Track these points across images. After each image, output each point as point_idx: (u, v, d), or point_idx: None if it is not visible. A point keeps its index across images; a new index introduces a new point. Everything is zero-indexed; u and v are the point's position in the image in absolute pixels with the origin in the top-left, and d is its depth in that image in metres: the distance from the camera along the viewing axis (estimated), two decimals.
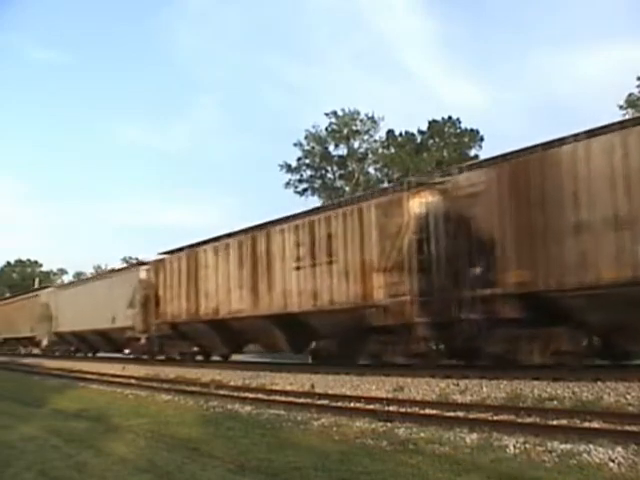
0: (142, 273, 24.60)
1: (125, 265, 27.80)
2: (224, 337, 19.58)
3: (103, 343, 28.84)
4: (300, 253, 15.73)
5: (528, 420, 7.81)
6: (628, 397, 8.59)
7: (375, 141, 47.04)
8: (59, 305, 33.12)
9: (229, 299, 18.34)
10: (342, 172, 47.21)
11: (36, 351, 37.93)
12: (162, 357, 23.41)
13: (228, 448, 6.86)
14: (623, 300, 9.75)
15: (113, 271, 28.37)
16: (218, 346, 20.35)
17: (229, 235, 19.58)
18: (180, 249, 22.20)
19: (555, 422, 7.57)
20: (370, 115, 46.21)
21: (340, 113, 46.31)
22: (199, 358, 22.06)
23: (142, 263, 25.90)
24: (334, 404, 10.25)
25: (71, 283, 35.53)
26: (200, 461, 6.23)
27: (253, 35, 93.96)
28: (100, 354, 30.93)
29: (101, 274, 29.98)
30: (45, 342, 34.65)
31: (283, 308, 16.22)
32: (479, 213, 11.74)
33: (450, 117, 45.62)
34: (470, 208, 11.91)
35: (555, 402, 8.93)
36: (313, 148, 47.26)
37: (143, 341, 23.75)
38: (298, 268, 15.74)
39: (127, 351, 27.81)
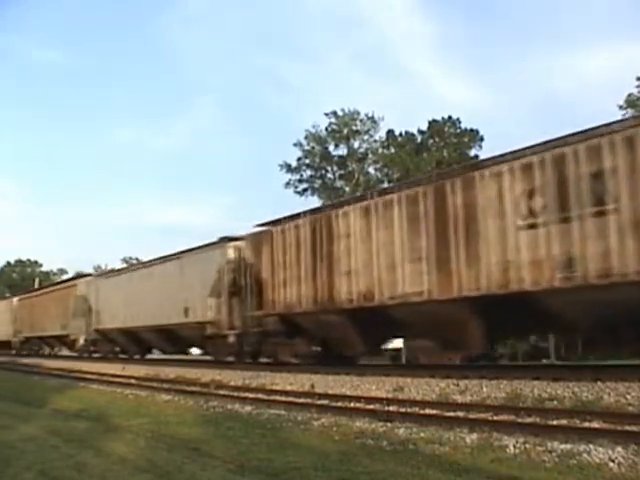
0: (230, 251, 19.30)
1: (202, 244, 20.95)
2: (368, 330, 14.79)
3: (166, 342, 23.90)
4: (535, 204, 11.12)
5: (528, 420, 7.81)
6: (628, 397, 8.59)
7: (375, 141, 47.18)
8: (102, 297, 27.44)
9: (392, 278, 13.46)
10: (342, 172, 47.29)
11: (66, 352, 33.70)
12: (262, 360, 18.68)
13: (228, 448, 6.86)
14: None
15: (185, 252, 21.80)
16: (355, 343, 15.31)
17: (384, 192, 14.77)
18: (293, 216, 16.83)
19: (555, 422, 7.57)
20: (370, 115, 46.35)
21: (340, 113, 46.43)
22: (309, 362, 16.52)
23: (230, 239, 19.91)
24: (334, 404, 10.24)
25: (118, 270, 28.13)
26: (200, 461, 6.23)
27: (253, 35, 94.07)
28: (152, 355, 27.66)
29: (166, 256, 23.10)
30: (82, 341, 29.24)
31: (501, 286, 11.43)
32: None
33: (450, 117, 45.71)
34: None
35: (555, 402, 8.93)
36: (313, 148, 47.33)
37: (232, 339, 18.65)
38: (531, 226, 11.13)
39: (196, 352, 24.59)
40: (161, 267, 23.44)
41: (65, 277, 60.25)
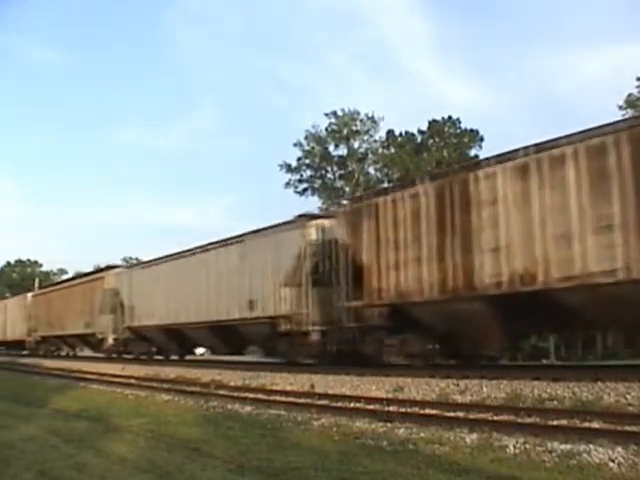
0: (312, 231, 16.14)
1: (271, 225, 17.66)
2: (515, 322, 11.77)
3: (220, 341, 20.73)
4: None
5: (528, 420, 7.81)
6: (628, 397, 8.59)
7: (375, 141, 47.18)
8: (137, 290, 24.04)
9: (566, 254, 10.53)
10: (342, 172, 47.30)
11: (88, 353, 31.05)
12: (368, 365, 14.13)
13: (228, 448, 6.86)
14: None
15: (248, 234, 18.49)
16: (495, 338, 12.83)
17: (549, 145, 11.09)
18: (403, 185, 14.21)
19: (555, 422, 7.57)
20: (370, 115, 46.35)
21: (340, 113, 46.43)
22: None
23: (312, 216, 17.17)
24: (334, 404, 10.24)
25: (158, 259, 24.01)
26: (200, 461, 6.22)
27: (252, 35, 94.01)
28: (188, 356, 24.77)
29: (222, 241, 19.70)
30: (110, 341, 26.05)
31: None
32: None
33: (450, 117, 45.72)
34: None
35: (555, 402, 8.93)
36: (313, 148, 47.34)
37: (314, 337, 15.42)
38: None
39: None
40: (216, 253, 19.70)
41: (65, 277, 58.73)
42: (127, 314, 24.38)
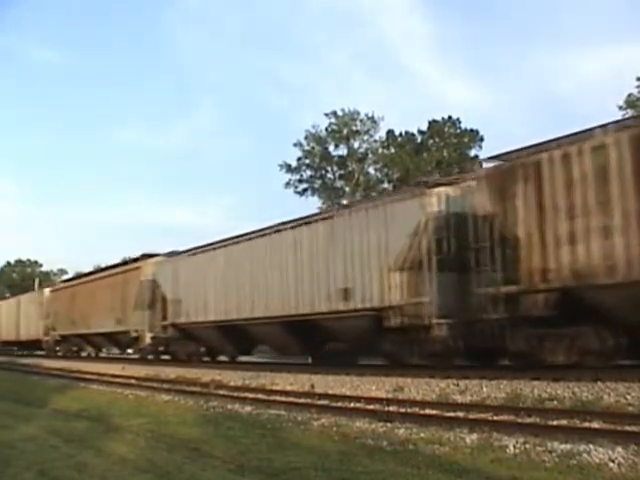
0: (433, 201, 13.15)
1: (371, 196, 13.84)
2: None
3: (295, 339, 16.91)
4: None
5: (528, 420, 7.81)
6: (628, 397, 8.59)
7: (375, 141, 47.13)
8: (183, 281, 20.59)
9: None
10: (342, 172, 47.25)
11: (115, 353, 28.89)
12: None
13: (228, 448, 6.86)
14: None
15: (341, 208, 16.50)
16: None
17: None
18: (569, 136, 11.04)
19: (555, 422, 7.57)
20: (370, 115, 46.30)
21: (340, 113, 46.38)
22: None
23: (433, 183, 14.04)
24: (334, 404, 10.24)
25: (210, 244, 20.36)
26: (200, 461, 6.23)
27: (253, 35, 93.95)
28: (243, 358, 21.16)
29: (301, 219, 16.80)
30: (148, 340, 22.48)
31: None
32: None
33: (450, 117, 45.68)
34: None
35: (555, 402, 8.93)
36: (313, 148, 47.32)
37: (441, 332, 12.54)
38: None
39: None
40: (294, 234, 16.41)
41: (65, 277, 56.58)
42: (171, 309, 20.92)
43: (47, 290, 35.26)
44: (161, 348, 22.50)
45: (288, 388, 12.72)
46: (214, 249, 19.79)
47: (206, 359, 21.39)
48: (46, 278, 75.06)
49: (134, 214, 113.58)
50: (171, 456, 6.56)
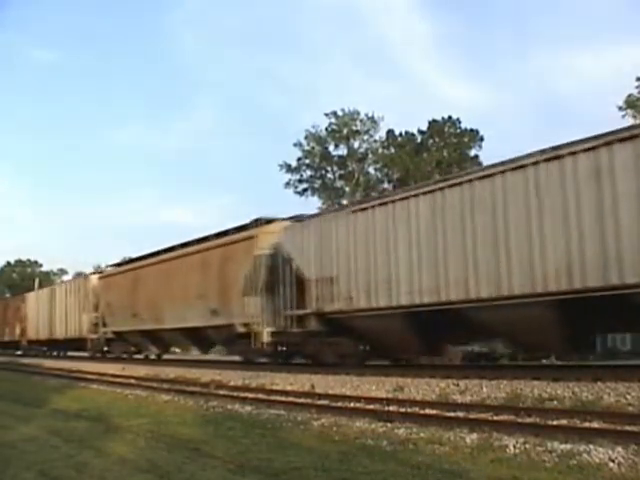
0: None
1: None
2: None
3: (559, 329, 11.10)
4: None
5: (528, 420, 7.81)
6: (628, 397, 8.59)
7: (375, 141, 47.20)
8: (342, 250, 14.45)
9: None
10: (342, 172, 47.31)
11: (212, 356, 23.10)
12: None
13: (228, 448, 6.86)
14: None
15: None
16: None
17: None
18: None
19: (555, 422, 7.56)
20: (370, 115, 46.39)
21: (340, 113, 46.46)
22: None
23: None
24: (334, 404, 10.23)
25: (373, 199, 16.07)
26: (200, 461, 6.23)
27: (253, 35, 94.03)
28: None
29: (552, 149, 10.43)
30: (266, 337, 16.35)
31: None
32: None
33: (450, 117, 45.73)
34: None
35: (555, 402, 8.93)
36: (313, 148, 47.36)
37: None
38: None
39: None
40: (538, 171, 10.73)
41: (66, 278, 54.31)
42: (314, 293, 15.11)
43: (94, 277, 28.76)
44: (295, 348, 16.73)
45: (288, 388, 12.71)
46: (406, 198, 13.35)
47: (373, 363, 15.75)
48: (46, 278, 75.05)
49: (134, 214, 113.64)
50: (171, 456, 6.56)
